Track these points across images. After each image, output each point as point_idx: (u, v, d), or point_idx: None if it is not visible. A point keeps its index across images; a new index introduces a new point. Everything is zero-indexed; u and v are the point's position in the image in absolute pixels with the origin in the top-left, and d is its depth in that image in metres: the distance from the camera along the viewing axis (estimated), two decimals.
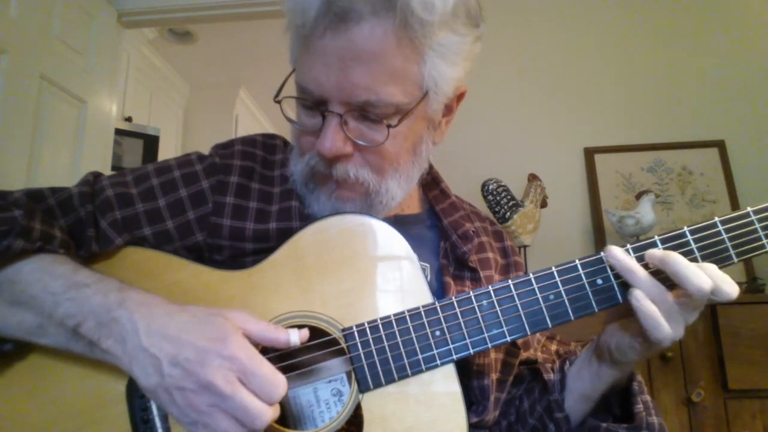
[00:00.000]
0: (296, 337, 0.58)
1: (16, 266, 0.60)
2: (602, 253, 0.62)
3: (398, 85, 0.63)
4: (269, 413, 0.52)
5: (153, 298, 0.59)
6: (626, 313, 0.63)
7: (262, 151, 0.78)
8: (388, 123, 0.64)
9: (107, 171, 2.40)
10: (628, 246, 0.62)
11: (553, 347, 0.82)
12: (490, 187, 1.96)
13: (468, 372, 0.71)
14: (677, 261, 0.56)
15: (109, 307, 0.57)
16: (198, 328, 0.55)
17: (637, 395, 0.69)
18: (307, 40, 0.63)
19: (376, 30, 0.60)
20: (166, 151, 3.50)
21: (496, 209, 1.95)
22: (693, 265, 0.56)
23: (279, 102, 0.69)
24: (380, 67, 0.62)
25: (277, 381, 0.54)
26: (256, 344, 0.57)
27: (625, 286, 0.60)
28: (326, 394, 0.66)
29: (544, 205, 2.06)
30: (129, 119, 3.07)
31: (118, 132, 2.77)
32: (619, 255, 0.59)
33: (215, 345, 0.53)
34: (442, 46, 0.64)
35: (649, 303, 0.57)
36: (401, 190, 0.71)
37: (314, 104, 0.66)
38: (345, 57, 0.61)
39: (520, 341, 0.79)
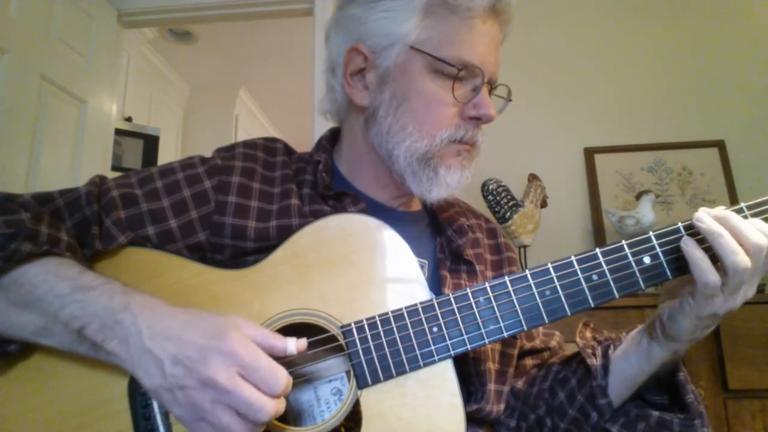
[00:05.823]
0: (293, 346, 0.58)
1: (23, 268, 0.60)
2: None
3: None
4: (272, 405, 0.52)
5: (156, 301, 0.59)
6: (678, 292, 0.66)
7: (263, 153, 0.80)
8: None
9: (107, 171, 2.40)
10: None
11: (588, 333, 0.81)
12: (490, 187, 1.96)
13: (464, 361, 0.72)
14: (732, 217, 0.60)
15: (113, 309, 0.58)
16: (198, 325, 0.56)
17: (686, 385, 0.69)
18: (471, 22, 0.74)
19: (497, 25, 0.78)
20: (166, 151, 3.49)
21: (496, 209, 1.95)
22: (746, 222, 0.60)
23: (460, 71, 0.73)
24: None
25: (278, 373, 0.54)
26: None
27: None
28: (326, 394, 0.67)
29: (544, 205, 2.06)
30: (129, 119, 3.07)
31: (118, 132, 2.77)
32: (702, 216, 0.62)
33: (215, 342, 0.54)
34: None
35: (698, 250, 0.60)
36: None
37: (469, 76, 0.74)
38: (495, 41, 0.77)
39: None
